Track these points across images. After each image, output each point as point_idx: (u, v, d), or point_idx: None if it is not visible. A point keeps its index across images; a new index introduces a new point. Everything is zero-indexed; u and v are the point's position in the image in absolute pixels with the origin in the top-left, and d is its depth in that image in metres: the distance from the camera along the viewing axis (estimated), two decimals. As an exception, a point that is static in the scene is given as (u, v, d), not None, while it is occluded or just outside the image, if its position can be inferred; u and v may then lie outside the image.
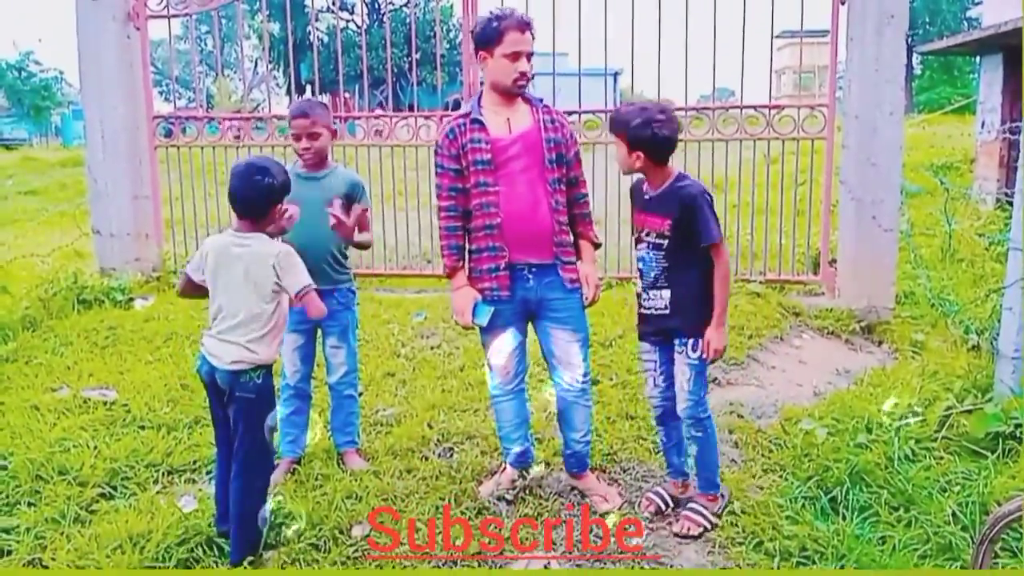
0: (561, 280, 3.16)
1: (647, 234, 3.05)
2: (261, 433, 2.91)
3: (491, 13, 3.13)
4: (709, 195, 2.99)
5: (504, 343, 3.24)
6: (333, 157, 3.62)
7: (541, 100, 3.23)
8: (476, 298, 3.12)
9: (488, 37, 3.06)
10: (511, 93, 3.13)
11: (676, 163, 3.12)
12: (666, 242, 3.00)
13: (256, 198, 2.86)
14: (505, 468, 3.43)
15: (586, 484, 3.38)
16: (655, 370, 3.20)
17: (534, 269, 3.14)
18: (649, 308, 3.10)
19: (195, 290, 2.95)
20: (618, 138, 3.02)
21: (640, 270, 3.11)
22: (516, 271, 3.14)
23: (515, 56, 3.06)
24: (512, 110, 3.15)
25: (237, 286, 2.84)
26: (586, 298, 3.20)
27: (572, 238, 3.24)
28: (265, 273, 2.83)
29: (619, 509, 3.23)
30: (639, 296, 3.14)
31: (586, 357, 3.26)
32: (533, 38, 3.11)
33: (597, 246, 3.34)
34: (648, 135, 2.92)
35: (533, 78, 3.16)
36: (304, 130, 3.42)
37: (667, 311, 3.05)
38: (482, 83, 3.25)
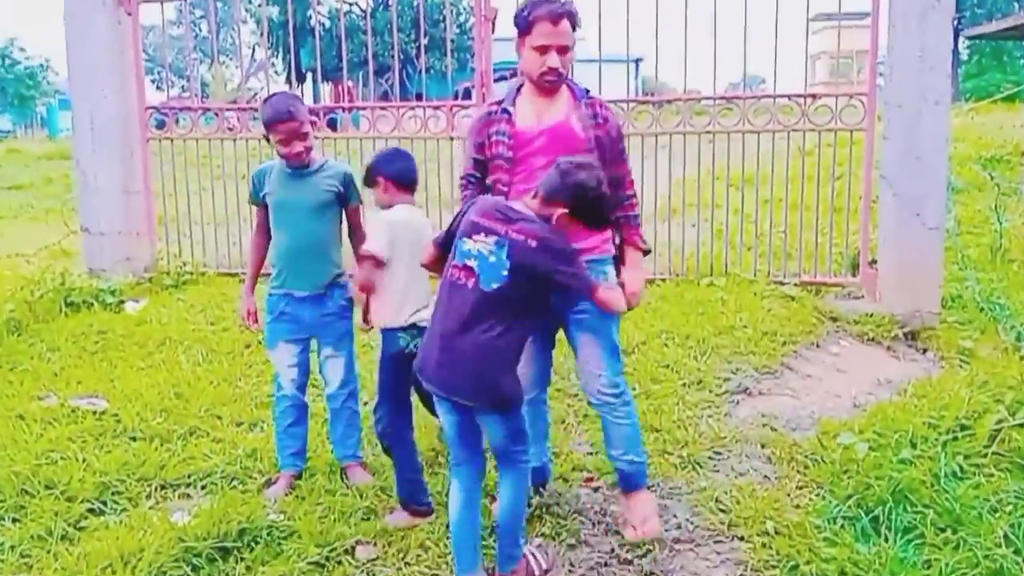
0: None
1: None
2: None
3: None
4: None
5: None
6: (335, 151, 3.67)
7: (587, 91, 3.15)
8: None
9: (520, 25, 3.02)
10: (540, 86, 3.09)
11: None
12: None
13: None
14: None
15: (627, 505, 3.24)
16: None
17: None
18: None
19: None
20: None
21: None
22: None
23: (543, 49, 2.99)
24: (548, 100, 3.10)
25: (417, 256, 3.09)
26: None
27: (614, 242, 3.20)
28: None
29: (651, 538, 3.15)
30: None
31: (612, 368, 3.12)
32: (574, 28, 3.03)
33: (646, 252, 3.25)
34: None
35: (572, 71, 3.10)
36: (294, 133, 3.37)
37: None
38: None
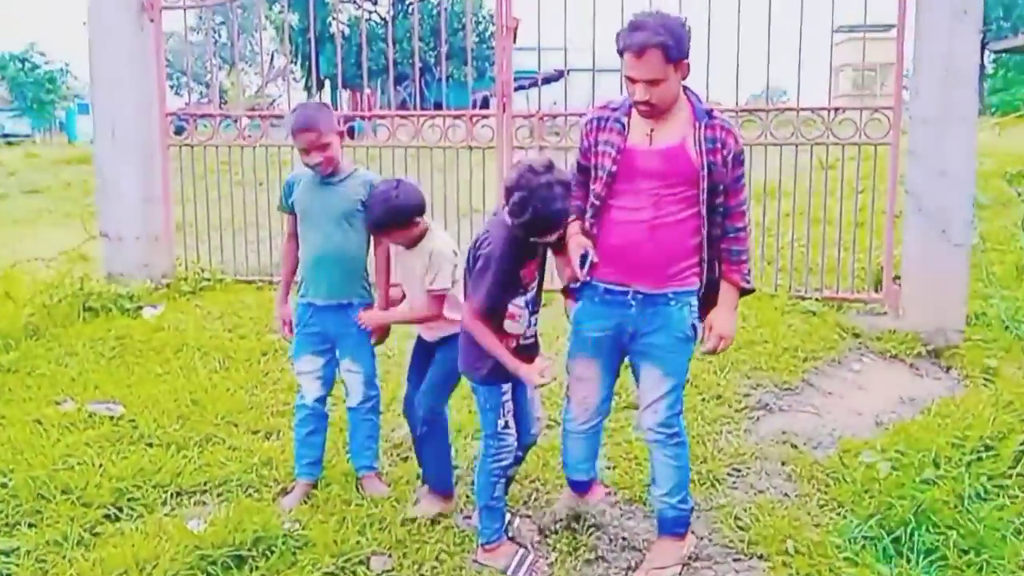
0: (666, 316, 2.93)
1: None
2: None
3: (631, 17, 2.84)
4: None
5: (587, 372, 3.13)
6: (353, 159, 3.67)
7: (709, 112, 2.90)
8: (586, 246, 2.97)
9: (617, 50, 2.86)
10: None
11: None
12: None
13: None
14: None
15: (654, 546, 3.18)
16: None
17: (640, 295, 2.93)
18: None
19: None
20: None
21: None
22: (619, 294, 2.96)
23: (629, 79, 2.82)
24: (662, 120, 2.88)
25: None
26: (704, 347, 3.00)
27: (703, 275, 2.96)
28: None
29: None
30: None
31: (671, 407, 3.00)
32: (671, 59, 2.75)
33: (745, 291, 3.03)
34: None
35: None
36: (313, 144, 3.37)
37: None
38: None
